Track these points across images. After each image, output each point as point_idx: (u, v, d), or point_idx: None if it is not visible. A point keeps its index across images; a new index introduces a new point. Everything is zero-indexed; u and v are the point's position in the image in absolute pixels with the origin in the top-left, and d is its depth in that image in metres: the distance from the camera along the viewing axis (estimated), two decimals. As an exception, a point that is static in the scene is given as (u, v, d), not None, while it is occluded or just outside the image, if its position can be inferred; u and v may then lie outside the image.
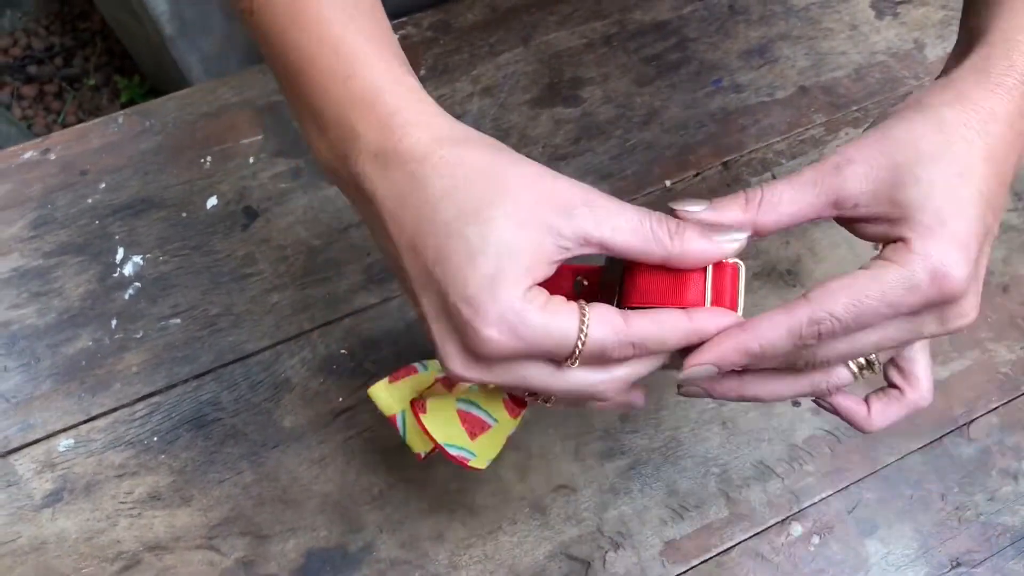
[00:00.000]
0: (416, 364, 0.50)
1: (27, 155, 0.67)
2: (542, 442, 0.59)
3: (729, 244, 0.38)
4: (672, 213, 0.39)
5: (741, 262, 0.39)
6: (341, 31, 0.39)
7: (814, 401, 0.45)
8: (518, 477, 0.58)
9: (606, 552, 0.56)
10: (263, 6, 0.40)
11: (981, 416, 0.61)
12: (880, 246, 0.39)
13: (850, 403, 0.44)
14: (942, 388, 0.61)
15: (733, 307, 0.39)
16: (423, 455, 0.49)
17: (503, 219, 0.36)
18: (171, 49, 1.36)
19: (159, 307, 0.62)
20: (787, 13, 0.76)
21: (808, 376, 0.40)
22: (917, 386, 0.44)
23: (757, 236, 0.39)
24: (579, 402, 0.43)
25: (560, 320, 0.36)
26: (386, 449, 0.59)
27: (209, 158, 0.68)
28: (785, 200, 0.38)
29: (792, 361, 0.39)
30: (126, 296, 0.63)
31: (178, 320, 0.62)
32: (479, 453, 0.47)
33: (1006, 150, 0.38)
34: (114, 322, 0.62)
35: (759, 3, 0.77)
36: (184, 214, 0.66)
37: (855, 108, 0.72)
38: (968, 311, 0.38)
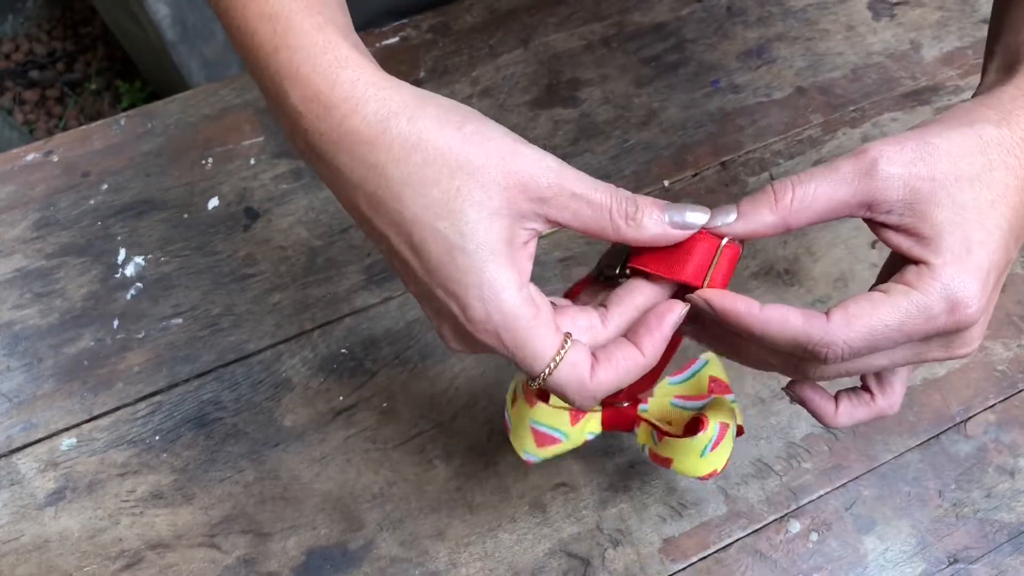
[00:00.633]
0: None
1: (30, 157, 0.68)
2: (541, 440, 0.59)
3: (681, 232, 0.38)
4: (703, 232, 0.38)
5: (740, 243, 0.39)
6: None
7: (783, 388, 0.45)
8: (518, 475, 0.58)
9: (605, 549, 0.57)
10: None
11: (978, 413, 0.61)
12: (882, 243, 0.38)
13: (819, 398, 0.43)
14: (939, 386, 0.62)
15: (724, 287, 0.39)
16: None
17: (474, 210, 0.35)
18: (172, 54, 1.36)
19: (161, 307, 0.63)
20: (784, 14, 0.77)
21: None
22: (889, 395, 0.43)
23: (788, 233, 0.39)
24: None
25: (538, 343, 0.36)
26: (386, 448, 0.59)
27: (210, 159, 0.68)
28: (819, 197, 0.37)
29: (786, 365, 0.39)
30: (128, 296, 0.63)
31: (179, 320, 0.62)
32: (513, 427, 0.50)
33: None
34: (116, 322, 0.62)
35: (757, 5, 0.77)
36: (185, 215, 0.66)
37: (852, 108, 0.72)
38: (974, 340, 0.38)
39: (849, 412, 0.43)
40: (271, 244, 0.65)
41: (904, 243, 0.37)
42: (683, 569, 0.56)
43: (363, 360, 0.62)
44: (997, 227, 0.36)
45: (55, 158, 0.68)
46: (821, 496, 0.58)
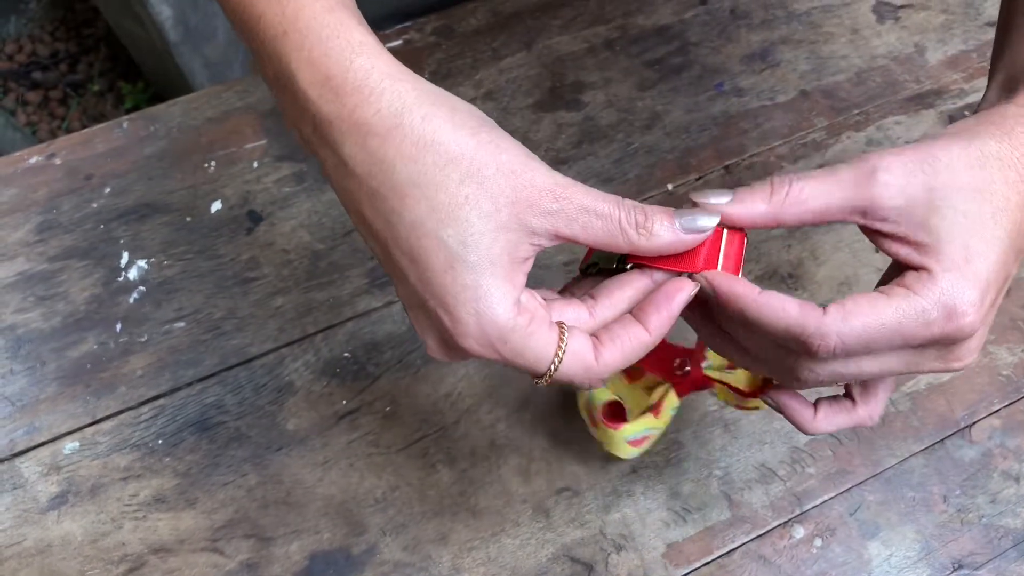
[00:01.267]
0: None
1: (32, 160, 0.68)
2: (545, 445, 0.59)
3: (694, 238, 0.38)
4: (693, 204, 0.38)
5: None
6: None
7: (760, 396, 0.45)
8: (521, 480, 0.58)
9: (609, 554, 0.56)
10: None
11: (983, 419, 0.61)
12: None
13: (797, 404, 0.43)
14: (944, 391, 0.61)
15: (736, 273, 0.39)
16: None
17: (481, 221, 0.35)
18: (175, 55, 1.36)
19: (163, 311, 0.63)
20: (788, 17, 0.77)
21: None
22: (871, 403, 0.43)
23: (780, 227, 0.39)
24: None
25: (537, 345, 0.36)
26: (389, 452, 0.59)
27: (213, 163, 0.68)
28: (813, 197, 0.37)
29: (777, 363, 0.39)
30: (131, 300, 0.63)
31: (182, 324, 0.62)
32: (609, 446, 0.53)
33: None
34: (119, 326, 0.62)
35: (761, 8, 0.77)
36: (188, 218, 0.66)
37: (856, 112, 0.72)
38: (969, 354, 0.38)
39: (829, 418, 0.43)
40: (274, 248, 0.65)
41: (902, 251, 0.37)
42: (686, 574, 0.56)
43: (366, 364, 0.61)
44: (996, 239, 0.36)
45: (58, 161, 0.68)
46: (825, 501, 0.58)
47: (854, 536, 0.57)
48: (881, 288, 0.37)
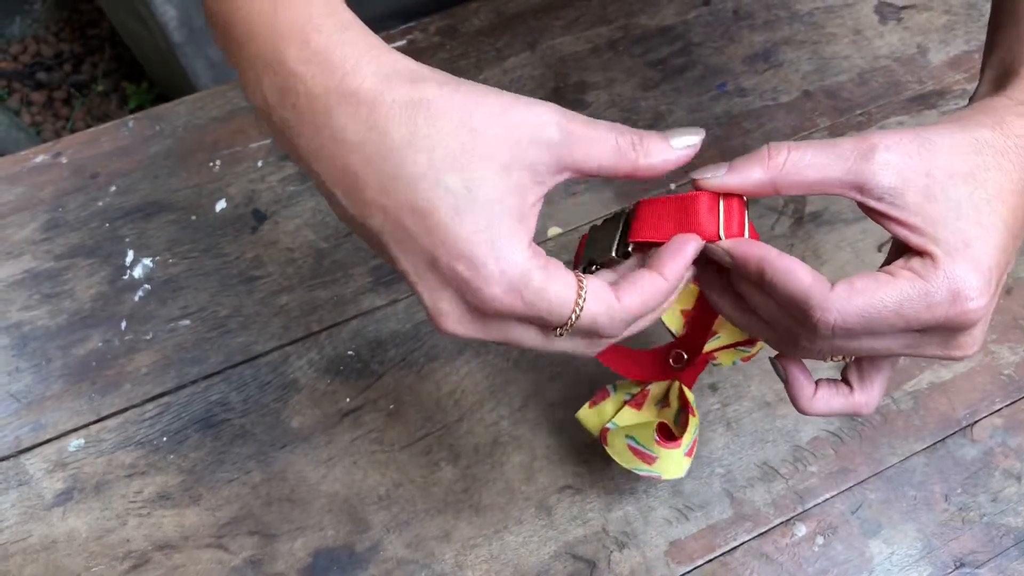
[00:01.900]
0: (608, 387, 0.54)
1: (39, 159, 0.68)
2: (548, 443, 0.59)
3: (687, 153, 0.38)
4: (694, 183, 0.39)
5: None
6: None
7: (770, 358, 0.45)
8: (524, 477, 0.59)
9: (611, 552, 0.57)
10: None
11: (984, 418, 0.61)
12: (887, 246, 0.39)
13: (802, 377, 0.43)
14: (945, 390, 0.62)
15: (742, 235, 0.39)
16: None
17: (482, 164, 0.34)
18: (179, 56, 1.37)
19: (168, 309, 0.63)
20: (791, 18, 0.77)
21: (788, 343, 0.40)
22: (868, 391, 0.43)
23: (777, 195, 0.39)
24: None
25: (558, 287, 0.35)
26: (392, 449, 0.59)
27: (218, 162, 0.69)
28: (811, 167, 0.37)
29: (782, 329, 0.39)
30: (136, 298, 0.63)
31: (187, 321, 0.63)
32: (664, 471, 0.51)
33: None
34: (124, 323, 0.62)
35: (763, 8, 0.77)
36: (193, 217, 0.66)
37: (859, 112, 0.72)
38: (972, 343, 0.38)
39: (826, 399, 0.43)
40: (278, 246, 0.65)
41: (901, 232, 0.37)
42: (689, 572, 0.56)
43: (370, 362, 0.62)
44: (994, 226, 0.36)
45: (64, 160, 0.68)
46: (827, 500, 0.58)
47: (856, 534, 0.57)
48: (886, 268, 0.37)
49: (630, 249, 0.41)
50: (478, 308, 0.36)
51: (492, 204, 0.34)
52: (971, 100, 0.44)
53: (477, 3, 0.76)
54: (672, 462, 0.50)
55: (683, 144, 0.38)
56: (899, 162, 0.37)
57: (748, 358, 0.53)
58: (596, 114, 0.71)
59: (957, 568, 0.57)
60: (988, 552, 0.57)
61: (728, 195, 0.39)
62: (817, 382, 0.44)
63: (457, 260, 0.34)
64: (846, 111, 0.72)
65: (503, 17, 0.76)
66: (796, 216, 0.68)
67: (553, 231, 0.65)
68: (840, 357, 0.42)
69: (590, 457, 0.59)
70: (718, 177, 0.38)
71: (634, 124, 0.71)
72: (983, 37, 0.76)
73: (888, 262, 0.39)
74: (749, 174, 0.38)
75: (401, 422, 0.60)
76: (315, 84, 0.35)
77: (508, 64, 0.73)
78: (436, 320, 0.37)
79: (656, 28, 0.76)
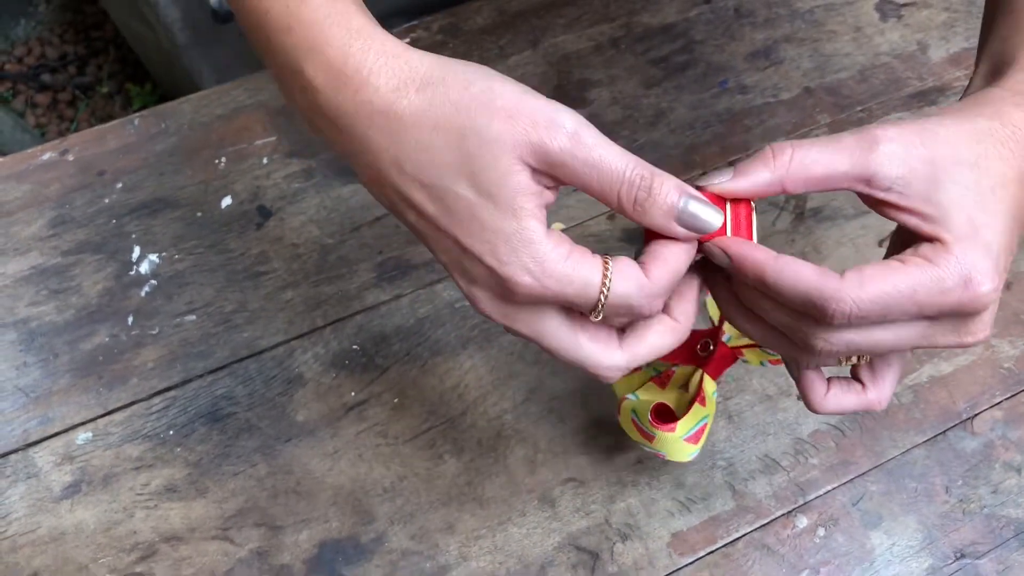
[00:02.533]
0: None
1: (45, 156, 0.69)
2: (551, 436, 0.60)
3: (687, 235, 0.38)
4: (700, 190, 0.39)
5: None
6: None
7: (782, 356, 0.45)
8: (527, 470, 0.59)
9: (614, 543, 0.57)
10: None
11: (984, 411, 0.61)
12: (888, 241, 0.39)
13: (813, 375, 0.43)
14: (945, 383, 0.62)
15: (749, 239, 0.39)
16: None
17: (487, 171, 0.35)
18: (183, 57, 1.37)
19: (175, 304, 0.64)
20: (792, 16, 0.78)
21: (797, 348, 0.40)
22: (880, 387, 0.43)
23: (785, 194, 0.38)
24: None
25: (582, 269, 0.36)
26: (397, 442, 0.60)
27: (224, 159, 0.69)
28: (817, 163, 0.37)
29: (792, 334, 0.39)
30: (142, 293, 0.64)
31: (193, 317, 0.63)
32: (668, 452, 0.51)
33: None
34: (131, 319, 0.63)
35: (764, 6, 0.78)
36: (199, 213, 0.67)
37: (859, 109, 0.73)
38: (983, 328, 0.38)
39: (838, 398, 0.43)
40: (283, 242, 0.66)
41: (911, 220, 0.37)
42: (691, 563, 0.57)
43: (374, 356, 0.62)
44: (999, 212, 0.37)
45: (70, 157, 0.69)
46: (828, 491, 0.59)
47: (857, 526, 0.58)
48: (897, 256, 0.37)
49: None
50: (508, 295, 0.37)
51: (502, 206, 0.36)
52: (966, 92, 0.44)
53: (480, 1, 0.77)
54: (668, 444, 0.51)
55: (691, 226, 0.38)
56: (903, 152, 0.37)
57: (777, 361, 0.52)
58: (598, 112, 0.72)
59: (957, 559, 0.57)
60: (988, 543, 0.57)
61: (735, 200, 0.39)
62: (829, 380, 0.44)
63: (485, 254, 0.36)
64: (847, 108, 0.73)
65: (505, 15, 0.76)
66: (797, 212, 0.68)
67: (557, 227, 0.66)
68: (854, 359, 0.42)
69: (593, 450, 0.60)
70: (724, 182, 0.38)
71: (636, 121, 0.71)
72: (982, 34, 0.77)
73: (890, 255, 0.40)
74: (756, 176, 0.38)
75: (405, 416, 0.60)
76: (334, 97, 0.37)
77: (511, 62, 0.74)
78: (472, 304, 0.39)
79: (658, 26, 0.76)
